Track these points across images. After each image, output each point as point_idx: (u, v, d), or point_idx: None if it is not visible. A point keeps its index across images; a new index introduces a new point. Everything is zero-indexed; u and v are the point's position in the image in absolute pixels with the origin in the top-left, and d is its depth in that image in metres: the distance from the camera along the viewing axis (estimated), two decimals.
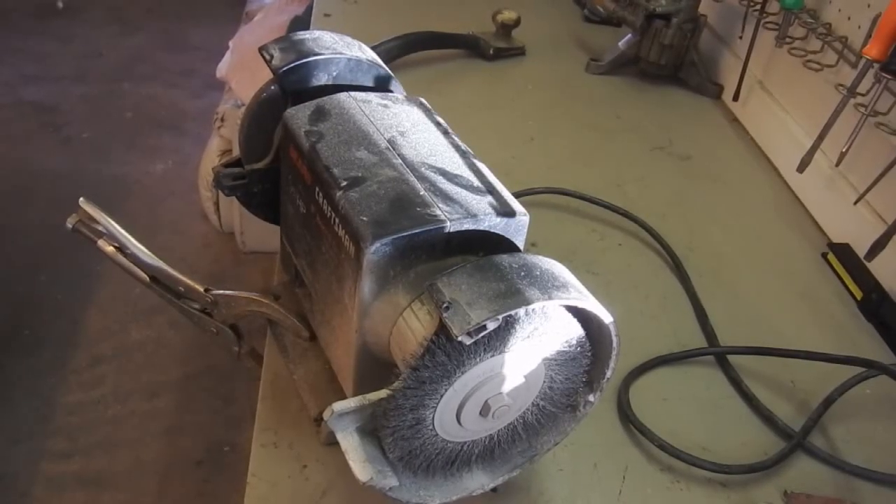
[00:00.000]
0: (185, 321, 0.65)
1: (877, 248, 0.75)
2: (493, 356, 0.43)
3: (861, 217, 0.82)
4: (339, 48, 0.60)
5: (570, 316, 0.44)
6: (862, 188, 0.79)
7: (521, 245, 0.49)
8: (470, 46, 1.19)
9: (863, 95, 0.78)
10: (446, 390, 0.43)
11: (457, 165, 0.51)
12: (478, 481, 0.50)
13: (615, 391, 0.64)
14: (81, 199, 0.60)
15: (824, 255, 0.85)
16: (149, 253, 0.61)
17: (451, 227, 0.45)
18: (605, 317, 0.44)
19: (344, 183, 0.47)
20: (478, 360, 0.42)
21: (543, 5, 1.40)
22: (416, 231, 0.45)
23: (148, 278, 0.62)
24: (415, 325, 0.45)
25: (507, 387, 0.44)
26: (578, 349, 0.45)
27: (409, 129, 0.54)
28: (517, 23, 1.19)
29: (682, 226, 0.87)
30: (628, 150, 1.02)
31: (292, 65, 0.58)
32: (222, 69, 2.14)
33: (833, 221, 0.88)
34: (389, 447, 0.44)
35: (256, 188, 0.63)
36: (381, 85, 0.62)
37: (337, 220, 0.47)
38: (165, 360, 1.83)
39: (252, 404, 0.61)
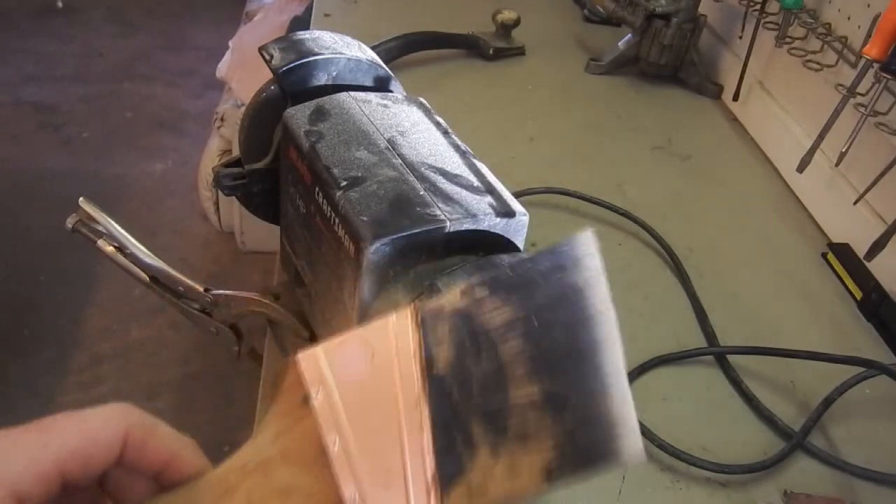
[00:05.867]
0: (185, 321, 0.65)
1: (876, 248, 0.75)
2: None
3: (861, 217, 0.82)
4: (338, 48, 0.60)
5: None
6: (862, 188, 0.79)
7: (521, 245, 0.49)
8: (470, 46, 1.19)
9: (863, 95, 0.78)
10: None
11: (456, 165, 0.51)
12: None
13: None
14: (81, 199, 0.60)
15: (824, 255, 0.85)
16: (149, 253, 0.61)
17: (450, 227, 0.45)
18: None
19: (344, 183, 0.47)
20: None
21: (543, 5, 1.40)
22: (416, 231, 0.45)
23: (148, 278, 0.62)
24: None
25: None
26: None
27: (408, 129, 0.54)
28: (517, 23, 1.19)
29: (682, 226, 0.87)
30: (628, 150, 1.02)
31: (292, 65, 0.58)
32: (222, 69, 2.14)
33: (833, 221, 0.88)
34: None
35: (256, 188, 0.63)
36: (381, 85, 0.62)
37: (337, 220, 0.47)
38: (165, 360, 1.83)
39: (252, 404, 0.61)
